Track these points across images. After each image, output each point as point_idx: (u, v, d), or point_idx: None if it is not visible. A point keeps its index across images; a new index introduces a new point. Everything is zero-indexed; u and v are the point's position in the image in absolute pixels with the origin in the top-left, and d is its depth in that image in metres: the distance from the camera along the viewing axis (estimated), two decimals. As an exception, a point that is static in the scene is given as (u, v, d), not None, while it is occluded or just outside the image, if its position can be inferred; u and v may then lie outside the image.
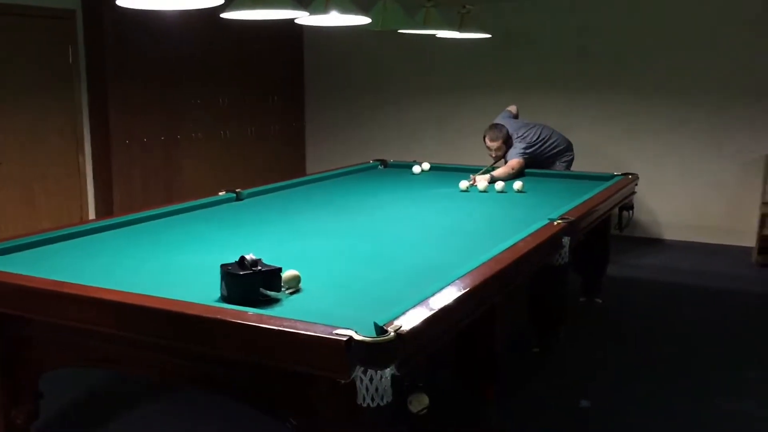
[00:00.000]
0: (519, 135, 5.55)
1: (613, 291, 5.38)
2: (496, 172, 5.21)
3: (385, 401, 1.96)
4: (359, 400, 1.95)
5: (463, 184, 4.85)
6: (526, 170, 5.38)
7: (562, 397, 3.69)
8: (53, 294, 2.35)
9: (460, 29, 4.78)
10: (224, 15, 2.98)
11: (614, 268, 5.59)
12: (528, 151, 5.47)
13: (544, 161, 5.64)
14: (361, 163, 5.90)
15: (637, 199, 5.41)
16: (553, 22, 7.13)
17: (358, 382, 1.94)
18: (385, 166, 5.87)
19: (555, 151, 5.68)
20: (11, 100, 5.65)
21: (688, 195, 6.88)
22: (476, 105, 7.53)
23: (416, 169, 5.56)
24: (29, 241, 3.08)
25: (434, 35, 4.91)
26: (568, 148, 5.80)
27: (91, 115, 6.21)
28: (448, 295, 2.33)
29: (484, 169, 5.28)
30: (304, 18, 3.36)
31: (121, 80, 6.27)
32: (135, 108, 6.40)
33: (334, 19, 3.42)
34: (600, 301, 5.15)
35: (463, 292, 2.38)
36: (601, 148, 7.01)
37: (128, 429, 3.37)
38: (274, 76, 7.99)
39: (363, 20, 3.50)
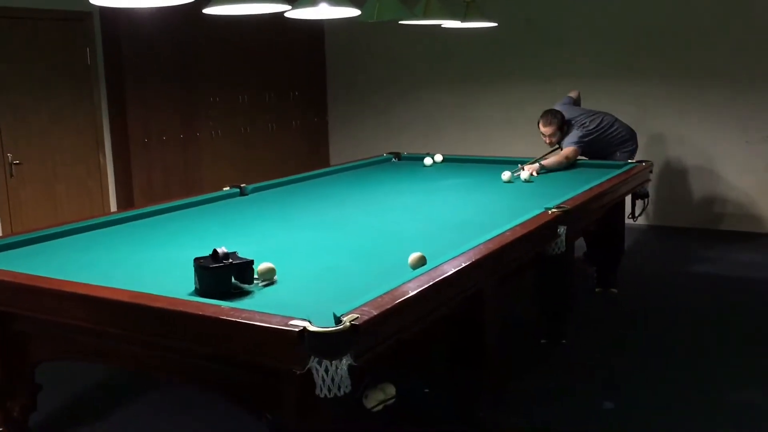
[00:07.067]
0: (577, 122, 5.28)
1: (651, 285, 5.24)
2: (547, 162, 4.96)
3: (342, 392, 1.96)
4: (317, 391, 1.95)
5: (506, 174, 4.63)
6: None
7: (565, 388, 3.63)
8: (28, 288, 2.40)
9: (463, 19, 4.71)
10: (206, 11, 3.00)
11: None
12: (585, 139, 5.18)
13: (604, 150, 5.35)
14: (375, 156, 5.89)
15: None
16: (573, 8, 7.00)
17: (314, 373, 1.94)
18: (399, 159, 5.84)
19: (616, 140, 5.40)
20: (31, 102, 5.77)
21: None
22: (497, 95, 7.46)
23: (427, 161, 5.52)
24: (27, 237, 3.16)
25: (440, 26, 4.86)
26: (632, 137, 5.50)
27: (110, 114, 6.32)
28: (415, 285, 2.30)
29: (533, 159, 5.04)
30: (293, 11, 3.37)
31: (139, 80, 6.36)
32: (153, 107, 6.50)
33: (323, 11, 3.41)
34: (616, 292, 5.05)
35: (433, 282, 2.35)
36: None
37: (127, 422, 3.42)
38: (295, 72, 8.01)
39: (353, 12, 3.48)
